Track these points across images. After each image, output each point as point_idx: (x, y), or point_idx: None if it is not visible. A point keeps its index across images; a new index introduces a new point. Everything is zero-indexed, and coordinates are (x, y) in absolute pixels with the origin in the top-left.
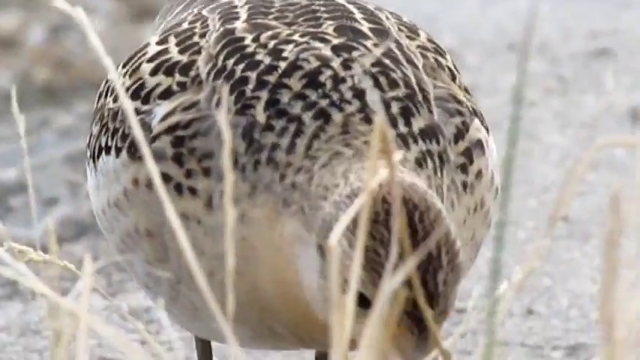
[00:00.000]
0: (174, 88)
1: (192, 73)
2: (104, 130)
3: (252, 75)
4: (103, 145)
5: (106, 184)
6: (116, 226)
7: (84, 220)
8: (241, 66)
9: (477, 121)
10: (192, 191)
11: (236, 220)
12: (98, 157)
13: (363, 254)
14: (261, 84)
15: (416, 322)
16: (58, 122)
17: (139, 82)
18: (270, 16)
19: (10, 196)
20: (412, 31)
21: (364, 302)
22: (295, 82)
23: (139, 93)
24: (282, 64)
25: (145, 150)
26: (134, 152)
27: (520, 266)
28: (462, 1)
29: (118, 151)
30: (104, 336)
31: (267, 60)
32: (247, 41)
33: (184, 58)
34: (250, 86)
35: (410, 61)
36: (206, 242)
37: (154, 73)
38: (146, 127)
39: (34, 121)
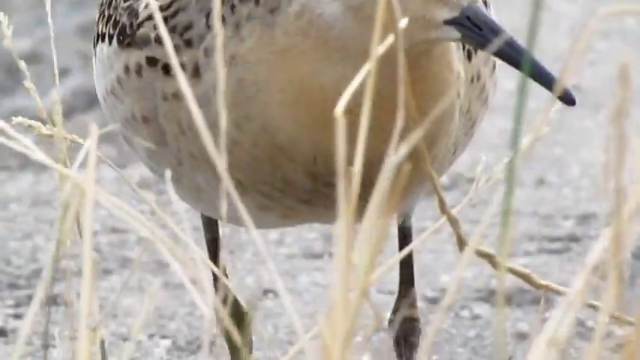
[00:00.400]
0: None
1: None
2: (102, 16)
3: None
4: (100, 32)
5: (103, 71)
6: (115, 114)
7: (95, 91)
8: None
9: None
10: (181, 67)
11: (227, 65)
12: (97, 44)
13: None
14: None
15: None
16: None
17: None
18: None
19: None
20: None
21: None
22: None
23: None
24: None
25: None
26: (123, 40)
27: (529, 135)
28: None
29: (111, 38)
30: (111, 207)
31: None
32: None
33: None
34: None
35: None
36: (202, 113)
37: None
38: (134, 13)
39: None
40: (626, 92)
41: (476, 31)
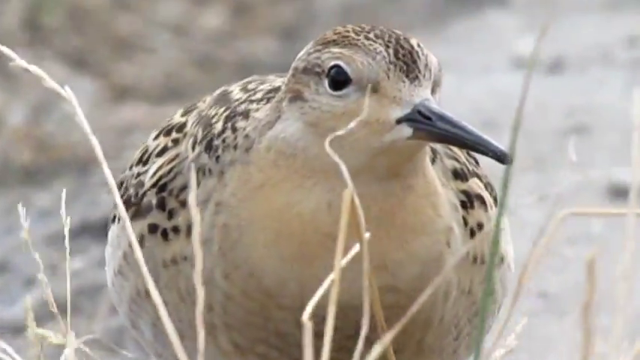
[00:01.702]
0: (169, 145)
1: (185, 129)
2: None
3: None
4: (111, 217)
5: (112, 253)
6: (123, 296)
7: (62, 301)
8: (216, 110)
9: (476, 180)
10: (175, 230)
11: (213, 214)
12: (109, 230)
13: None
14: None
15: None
16: (38, 202)
17: (144, 149)
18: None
19: None
20: None
21: (338, 83)
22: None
23: (142, 158)
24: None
25: (123, 213)
26: (128, 209)
27: (498, 347)
28: None
29: (119, 218)
30: None
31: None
32: (234, 93)
33: (182, 119)
34: (215, 121)
35: None
36: (194, 272)
37: (156, 137)
38: (140, 184)
39: (14, 200)
40: (592, 292)
41: (427, 123)
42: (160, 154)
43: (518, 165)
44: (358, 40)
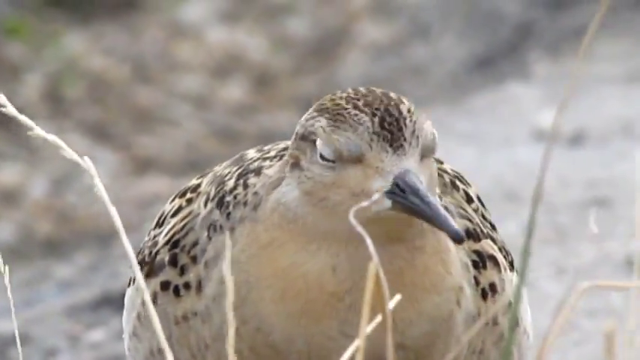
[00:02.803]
0: (183, 204)
1: (199, 189)
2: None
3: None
4: (127, 281)
5: (127, 316)
6: (138, 358)
7: None
8: (230, 169)
9: (489, 241)
10: (187, 287)
11: (222, 270)
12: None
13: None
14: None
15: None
16: (59, 274)
17: (161, 214)
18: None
19: (9, 348)
20: (438, 161)
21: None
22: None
23: (159, 222)
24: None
25: (138, 274)
26: (142, 268)
27: None
28: (460, 150)
29: (134, 280)
30: None
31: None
32: (249, 154)
33: (197, 182)
34: (228, 179)
35: None
36: (205, 329)
37: (172, 200)
38: (154, 243)
39: (35, 273)
40: None
41: (401, 195)
42: (175, 214)
43: (538, 237)
44: (346, 109)
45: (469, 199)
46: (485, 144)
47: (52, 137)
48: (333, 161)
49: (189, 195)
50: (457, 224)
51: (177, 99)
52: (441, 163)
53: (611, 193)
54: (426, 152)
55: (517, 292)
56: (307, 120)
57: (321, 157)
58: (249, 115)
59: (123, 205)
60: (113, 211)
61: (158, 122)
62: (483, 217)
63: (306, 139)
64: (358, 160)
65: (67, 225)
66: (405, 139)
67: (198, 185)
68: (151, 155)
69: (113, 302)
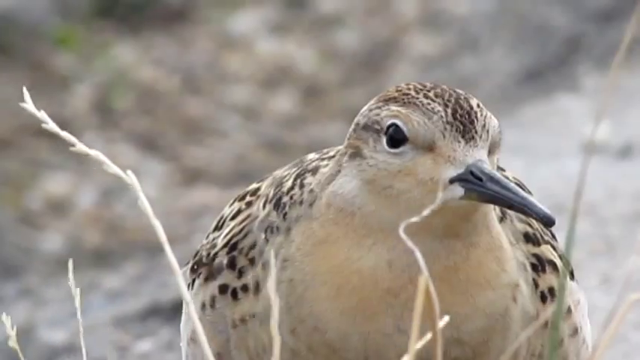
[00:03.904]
0: (243, 207)
1: (259, 192)
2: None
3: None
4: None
5: (185, 322)
6: None
7: None
8: (289, 171)
9: (549, 247)
10: (244, 289)
11: (280, 270)
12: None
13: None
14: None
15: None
16: (107, 284)
17: (220, 217)
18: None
19: (59, 358)
20: (500, 168)
21: (396, 141)
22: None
23: (217, 225)
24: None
25: (182, 285)
26: (197, 270)
27: None
28: (509, 162)
29: (193, 284)
30: None
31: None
32: (309, 157)
33: (257, 185)
34: (286, 180)
35: None
36: (263, 331)
37: (231, 204)
38: (212, 246)
39: (84, 283)
40: None
41: (477, 183)
42: (234, 217)
43: (588, 249)
44: (417, 98)
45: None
46: (534, 156)
47: (94, 152)
48: (401, 147)
49: (248, 198)
50: (547, 208)
51: (227, 110)
52: (503, 170)
53: None
54: (493, 148)
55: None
56: (371, 110)
57: (390, 141)
58: (298, 126)
59: (172, 216)
60: (157, 223)
61: (207, 133)
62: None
63: (369, 128)
64: (429, 148)
65: (116, 235)
66: (476, 132)
67: (258, 188)
68: (200, 166)
69: (162, 313)
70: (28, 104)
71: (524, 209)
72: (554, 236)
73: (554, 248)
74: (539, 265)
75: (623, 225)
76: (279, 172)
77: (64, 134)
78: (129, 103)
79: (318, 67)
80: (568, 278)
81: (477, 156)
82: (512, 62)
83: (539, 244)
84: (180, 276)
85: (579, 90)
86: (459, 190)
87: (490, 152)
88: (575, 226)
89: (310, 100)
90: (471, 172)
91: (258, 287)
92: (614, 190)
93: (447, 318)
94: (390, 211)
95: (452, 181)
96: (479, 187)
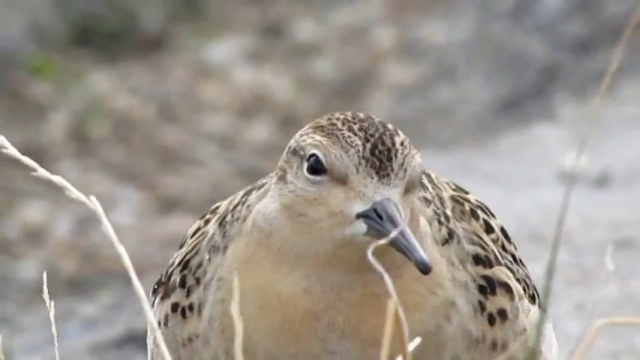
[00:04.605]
0: (201, 225)
1: (218, 211)
2: None
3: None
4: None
5: (148, 345)
6: None
7: None
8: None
9: (504, 269)
10: (191, 308)
11: (215, 290)
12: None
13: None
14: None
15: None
16: (83, 312)
17: (184, 236)
18: None
19: None
20: (461, 190)
21: (315, 170)
22: None
23: (182, 242)
24: None
25: (148, 313)
26: (156, 290)
27: None
28: (485, 191)
29: (153, 304)
30: None
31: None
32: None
33: (219, 203)
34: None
35: (435, 187)
36: (205, 352)
37: (195, 221)
38: (172, 265)
39: (59, 311)
40: None
41: (378, 222)
42: (193, 235)
43: (563, 278)
44: (340, 130)
45: (489, 229)
46: (511, 185)
47: (57, 178)
48: (319, 176)
49: (208, 216)
50: (426, 256)
51: (203, 139)
52: (466, 192)
53: (636, 235)
54: (411, 187)
55: (538, 327)
56: (301, 135)
57: (310, 169)
58: (274, 155)
59: (147, 244)
60: (121, 249)
61: (183, 162)
62: (504, 248)
63: (296, 153)
64: (343, 181)
65: (91, 264)
66: (392, 170)
67: (218, 207)
68: (176, 195)
69: (137, 340)
70: None
71: (406, 253)
72: (515, 259)
73: (511, 271)
74: (489, 287)
75: (598, 254)
76: (240, 191)
77: (25, 159)
78: (105, 132)
79: (294, 96)
80: (543, 317)
81: (387, 194)
82: (489, 91)
83: (491, 266)
84: (146, 300)
85: (555, 119)
86: (362, 227)
87: (407, 191)
88: (557, 256)
89: (286, 128)
90: (375, 210)
91: (200, 308)
92: (589, 219)
93: (418, 339)
94: (302, 238)
95: (358, 216)
96: (378, 225)
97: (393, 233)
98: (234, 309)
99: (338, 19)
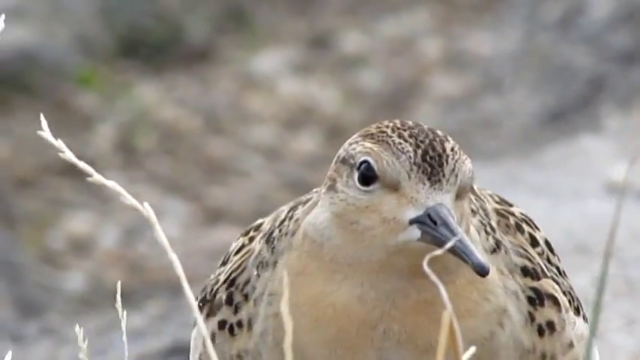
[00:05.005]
0: (245, 242)
1: (262, 228)
2: None
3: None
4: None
5: (192, 358)
6: None
7: None
8: (289, 206)
9: (551, 281)
10: (240, 325)
11: (267, 305)
12: None
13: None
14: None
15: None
16: (130, 324)
17: (226, 253)
18: None
19: None
20: (504, 202)
21: (366, 178)
22: None
23: (224, 260)
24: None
25: (198, 317)
26: (202, 307)
27: None
28: (531, 203)
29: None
30: None
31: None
32: (312, 190)
33: (261, 220)
34: (281, 213)
35: (479, 198)
36: None
37: (237, 239)
38: (217, 282)
39: (105, 322)
40: None
41: (432, 227)
42: (237, 252)
43: (609, 290)
44: (391, 137)
45: (534, 243)
46: (557, 197)
47: (111, 183)
48: (370, 184)
49: (252, 233)
50: (483, 258)
51: (249, 150)
52: (510, 205)
53: None
54: (462, 193)
55: (588, 343)
56: (350, 144)
57: (361, 177)
58: (320, 166)
59: (193, 255)
60: (174, 257)
61: (229, 173)
62: (549, 261)
63: (346, 162)
64: (395, 187)
65: (138, 275)
66: (443, 175)
67: (262, 224)
68: (222, 206)
69: (184, 351)
70: (46, 132)
71: (463, 257)
72: (560, 272)
73: (557, 283)
74: (537, 298)
75: None
76: (283, 207)
77: (82, 164)
78: (151, 143)
79: (341, 107)
80: (589, 329)
81: (439, 199)
82: (535, 103)
83: (538, 278)
84: (197, 309)
85: (602, 131)
86: (416, 232)
87: (459, 197)
88: (608, 269)
89: (333, 140)
90: (429, 216)
91: (250, 323)
92: (636, 230)
93: (473, 348)
94: (354, 246)
95: (411, 222)
96: (432, 229)
97: (452, 240)
98: (286, 321)
99: (385, 31)
